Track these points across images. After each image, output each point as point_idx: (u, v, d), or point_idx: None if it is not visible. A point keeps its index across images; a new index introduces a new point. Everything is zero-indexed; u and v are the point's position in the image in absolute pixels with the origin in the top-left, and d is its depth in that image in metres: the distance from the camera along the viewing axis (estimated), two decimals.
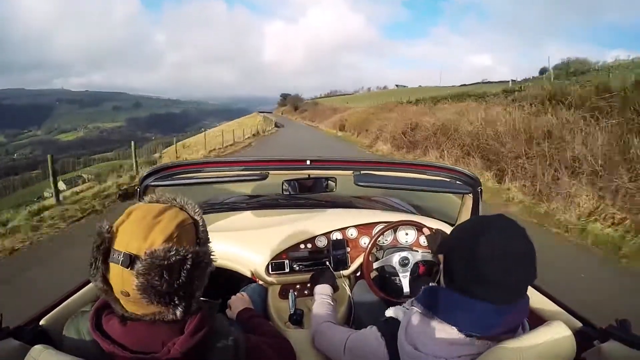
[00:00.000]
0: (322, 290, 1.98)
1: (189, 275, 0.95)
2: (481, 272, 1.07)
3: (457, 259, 1.17)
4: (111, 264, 0.95)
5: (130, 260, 0.92)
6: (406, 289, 2.15)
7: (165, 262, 0.91)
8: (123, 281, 0.94)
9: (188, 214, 1.09)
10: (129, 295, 0.94)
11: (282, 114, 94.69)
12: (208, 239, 1.12)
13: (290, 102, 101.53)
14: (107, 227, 0.98)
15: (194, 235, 1.06)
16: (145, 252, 0.92)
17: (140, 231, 0.96)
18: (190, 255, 0.96)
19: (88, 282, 1.67)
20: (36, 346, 1.01)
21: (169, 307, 0.96)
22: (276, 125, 53.21)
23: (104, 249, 0.95)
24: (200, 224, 1.10)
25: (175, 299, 0.95)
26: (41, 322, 1.42)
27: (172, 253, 0.93)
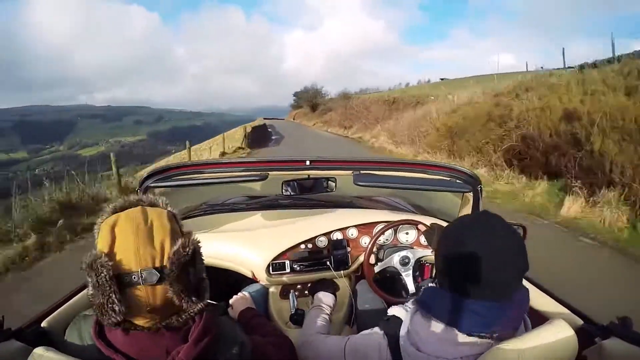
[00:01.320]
0: (322, 300, 1.97)
1: (200, 262, 0.99)
2: (469, 271, 1.08)
3: (445, 259, 1.17)
4: (132, 289, 0.91)
5: (158, 274, 0.90)
6: (411, 287, 2.15)
7: (188, 258, 0.93)
8: (150, 298, 0.91)
9: (163, 208, 1.07)
10: (154, 309, 0.93)
11: (294, 118, 67.13)
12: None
13: (306, 100, 65.40)
14: (101, 254, 0.91)
15: (178, 227, 1.04)
16: (169, 257, 0.92)
17: (144, 241, 0.92)
18: (194, 244, 0.98)
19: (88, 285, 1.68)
20: (38, 348, 1.02)
21: (200, 300, 0.98)
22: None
23: (113, 277, 0.88)
24: (176, 214, 1.08)
25: (200, 289, 0.97)
26: (42, 324, 1.42)
27: (187, 246, 0.94)
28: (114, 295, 0.88)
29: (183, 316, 0.99)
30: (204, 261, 1.06)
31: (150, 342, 0.99)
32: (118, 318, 0.90)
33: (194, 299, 0.95)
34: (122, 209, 1.02)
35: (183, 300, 0.93)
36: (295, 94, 74.22)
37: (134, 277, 0.89)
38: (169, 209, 1.07)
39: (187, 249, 0.93)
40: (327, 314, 1.87)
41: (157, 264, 0.91)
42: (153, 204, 1.06)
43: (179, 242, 0.94)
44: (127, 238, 0.92)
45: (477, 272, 1.06)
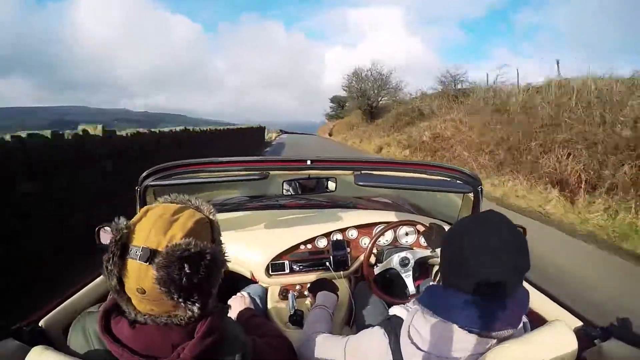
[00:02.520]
0: (324, 300, 1.96)
1: (207, 271, 0.95)
2: (467, 266, 1.09)
3: (447, 256, 1.21)
4: (129, 261, 0.95)
5: (150, 254, 0.93)
6: (411, 288, 2.16)
7: (186, 255, 0.92)
8: (140, 277, 0.94)
9: (204, 214, 1.10)
10: (144, 292, 0.94)
11: (331, 134, 42.78)
12: (221, 240, 1.13)
13: (356, 101, 38.09)
14: (125, 223, 0.98)
15: (209, 235, 1.07)
16: (167, 246, 0.93)
17: (159, 227, 0.97)
18: (209, 250, 0.96)
19: (88, 283, 1.69)
20: (36, 347, 1.03)
21: (187, 303, 0.95)
22: None
23: (122, 245, 0.95)
24: (216, 224, 1.11)
25: (195, 294, 0.95)
26: (40, 323, 1.43)
27: (192, 247, 0.93)
28: (114, 257, 0.94)
29: (174, 318, 1.00)
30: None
31: (156, 337, 1.00)
32: (113, 281, 0.97)
33: (176, 296, 0.93)
34: (172, 202, 1.12)
35: (164, 293, 0.92)
36: (334, 99, 47.86)
37: (133, 250, 0.94)
38: (211, 217, 1.12)
39: (190, 248, 0.93)
40: (329, 313, 1.86)
41: (155, 247, 0.94)
42: (198, 208, 1.12)
43: (188, 240, 0.94)
44: (149, 220, 0.99)
45: (473, 266, 1.08)
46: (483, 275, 1.07)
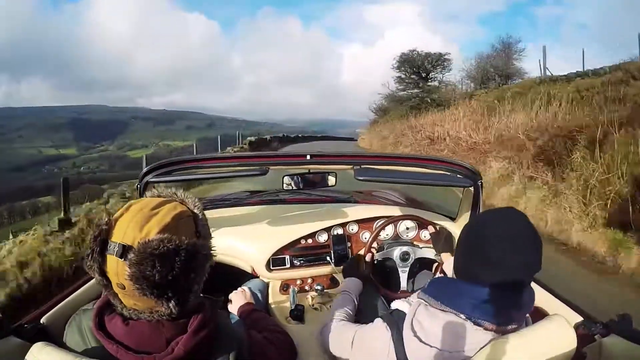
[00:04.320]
0: (349, 284, 1.98)
1: (183, 267, 0.94)
2: (484, 253, 1.11)
3: (464, 246, 1.22)
4: (108, 256, 0.95)
5: (124, 250, 0.93)
6: (404, 284, 2.16)
7: (158, 252, 0.90)
8: (118, 273, 0.94)
9: (188, 207, 1.09)
10: (124, 288, 0.94)
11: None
12: (209, 233, 1.12)
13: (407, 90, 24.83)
14: (106, 219, 0.99)
15: (192, 228, 1.05)
16: (139, 242, 0.92)
17: (136, 222, 0.96)
18: (184, 246, 0.94)
19: (89, 280, 1.69)
20: (37, 343, 1.02)
21: (162, 299, 0.94)
22: None
23: (101, 241, 0.95)
24: (200, 217, 1.10)
25: (169, 291, 0.93)
26: (42, 320, 1.43)
27: (165, 243, 0.92)
28: (93, 253, 0.95)
29: (155, 314, 0.99)
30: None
31: (149, 333, 1.00)
32: (96, 276, 0.98)
33: (148, 293, 0.92)
34: (158, 196, 1.12)
35: (137, 290, 0.92)
36: (380, 108, 29.92)
37: (111, 246, 0.94)
38: (195, 210, 1.10)
39: (163, 245, 0.91)
40: (353, 299, 1.88)
41: (130, 243, 0.93)
42: (182, 202, 1.11)
43: (162, 236, 0.93)
44: (129, 215, 0.98)
45: (490, 253, 1.10)
46: (498, 262, 1.09)
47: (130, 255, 0.91)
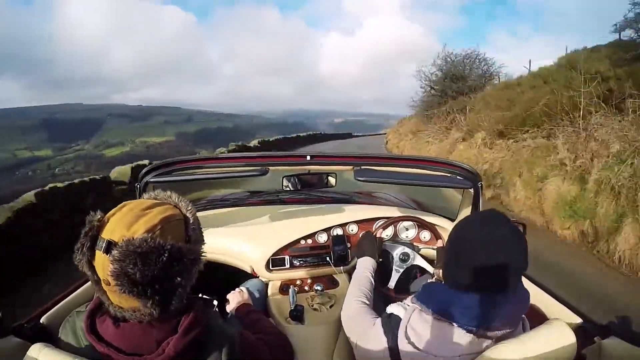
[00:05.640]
0: (364, 263, 1.96)
1: (165, 268, 0.94)
2: (466, 259, 1.12)
3: (450, 253, 1.22)
4: (97, 252, 0.96)
5: (109, 246, 0.93)
6: (392, 283, 2.14)
7: (140, 250, 0.91)
8: (104, 268, 0.94)
9: (180, 211, 1.09)
10: (109, 284, 0.95)
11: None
12: (200, 238, 1.12)
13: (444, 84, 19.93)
14: (99, 216, 1.00)
15: (182, 232, 1.05)
16: (123, 239, 0.93)
17: (126, 221, 0.97)
18: (167, 248, 0.95)
19: (88, 280, 1.70)
20: (35, 344, 1.02)
21: (142, 299, 0.95)
22: None
23: (92, 237, 0.97)
24: (191, 221, 1.09)
25: (149, 290, 0.94)
26: (42, 320, 1.44)
27: (148, 243, 0.93)
28: (82, 247, 0.96)
29: (137, 312, 0.99)
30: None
31: (140, 334, 1.00)
32: (87, 271, 0.99)
33: (127, 290, 0.92)
34: (154, 198, 1.13)
35: (117, 286, 0.92)
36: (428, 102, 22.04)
37: (100, 242, 0.96)
38: (188, 214, 1.10)
39: (145, 244, 0.92)
40: (371, 279, 1.86)
41: (116, 240, 0.94)
42: (176, 205, 1.12)
43: (147, 235, 0.94)
44: (120, 214, 1.00)
45: (472, 259, 1.10)
46: (480, 268, 1.09)
47: (114, 252, 0.92)
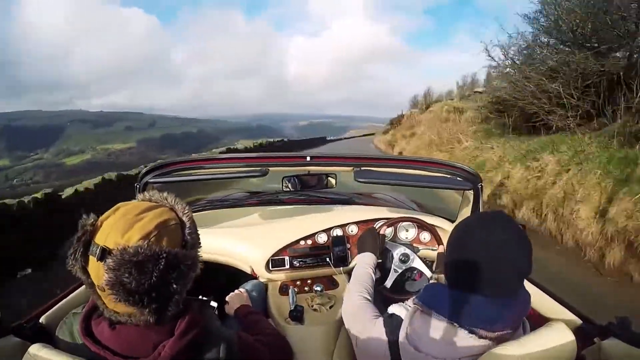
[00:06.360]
0: (365, 259, 1.97)
1: (161, 276, 0.93)
2: (470, 262, 1.10)
3: (452, 254, 1.21)
4: (90, 257, 0.95)
5: (103, 254, 0.92)
6: (389, 282, 2.14)
7: (135, 259, 0.90)
8: (99, 275, 0.93)
9: (176, 214, 1.07)
10: (104, 290, 0.94)
11: None
12: (197, 242, 1.10)
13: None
14: (92, 220, 0.99)
15: (178, 237, 1.04)
16: (118, 248, 0.92)
17: (120, 227, 0.95)
18: (164, 255, 0.93)
19: None
20: (34, 345, 1.02)
21: (138, 307, 0.94)
22: None
23: (85, 241, 0.95)
24: (188, 225, 1.07)
25: (145, 299, 0.92)
26: (41, 320, 1.43)
27: (144, 251, 0.91)
28: (75, 253, 0.95)
29: (134, 318, 0.99)
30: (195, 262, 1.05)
31: (136, 337, 1.00)
32: (81, 275, 0.98)
33: (123, 299, 0.92)
34: (149, 200, 1.11)
35: (112, 295, 0.92)
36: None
37: (93, 248, 0.94)
38: (184, 218, 1.08)
39: (141, 252, 0.91)
40: (371, 274, 1.87)
41: (111, 247, 0.93)
42: (172, 208, 1.09)
43: (141, 243, 0.93)
44: (115, 219, 0.98)
45: (476, 263, 1.09)
46: (487, 271, 1.08)
47: (109, 260, 0.91)
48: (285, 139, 36.02)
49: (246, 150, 19.75)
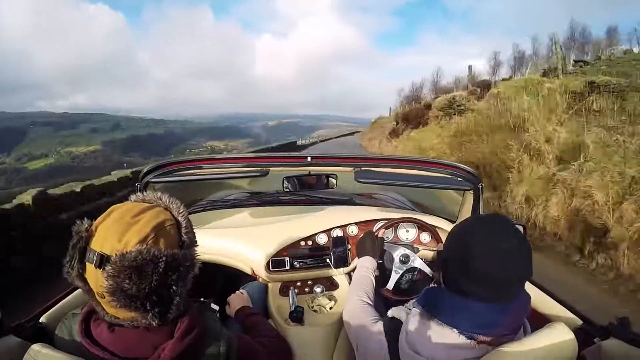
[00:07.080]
0: (365, 263, 1.97)
1: (162, 280, 0.93)
2: (472, 269, 1.09)
3: (451, 259, 1.19)
4: (87, 264, 0.94)
5: (101, 261, 0.91)
6: (391, 284, 2.15)
7: (135, 264, 0.89)
8: (98, 282, 0.93)
9: (172, 214, 1.07)
10: (104, 297, 0.93)
11: None
12: (194, 241, 1.10)
13: None
14: (86, 225, 0.97)
15: (175, 237, 1.03)
16: (116, 254, 0.91)
17: (116, 231, 0.94)
18: (163, 259, 0.93)
19: None
20: (35, 345, 1.02)
21: (140, 312, 0.94)
22: None
23: (81, 248, 0.94)
24: (184, 225, 1.07)
25: (147, 304, 0.92)
26: (41, 319, 1.42)
27: (143, 255, 0.91)
28: (72, 261, 0.95)
29: (136, 322, 0.99)
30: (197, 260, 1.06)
31: (135, 339, 0.99)
32: (78, 283, 0.98)
33: (125, 305, 0.92)
34: (142, 201, 1.10)
35: (113, 302, 0.92)
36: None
37: (90, 254, 0.93)
38: (179, 217, 1.08)
39: (140, 258, 0.91)
40: (372, 279, 1.89)
41: (108, 253, 0.92)
42: (167, 208, 1.09)
43: (140, 248, 0.92)
44: (110, 222, 0.97)
45: (478, 269, 1.08)
46: (489, 279, 1.08)
47: (108, 267, 0.90)
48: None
49: None
